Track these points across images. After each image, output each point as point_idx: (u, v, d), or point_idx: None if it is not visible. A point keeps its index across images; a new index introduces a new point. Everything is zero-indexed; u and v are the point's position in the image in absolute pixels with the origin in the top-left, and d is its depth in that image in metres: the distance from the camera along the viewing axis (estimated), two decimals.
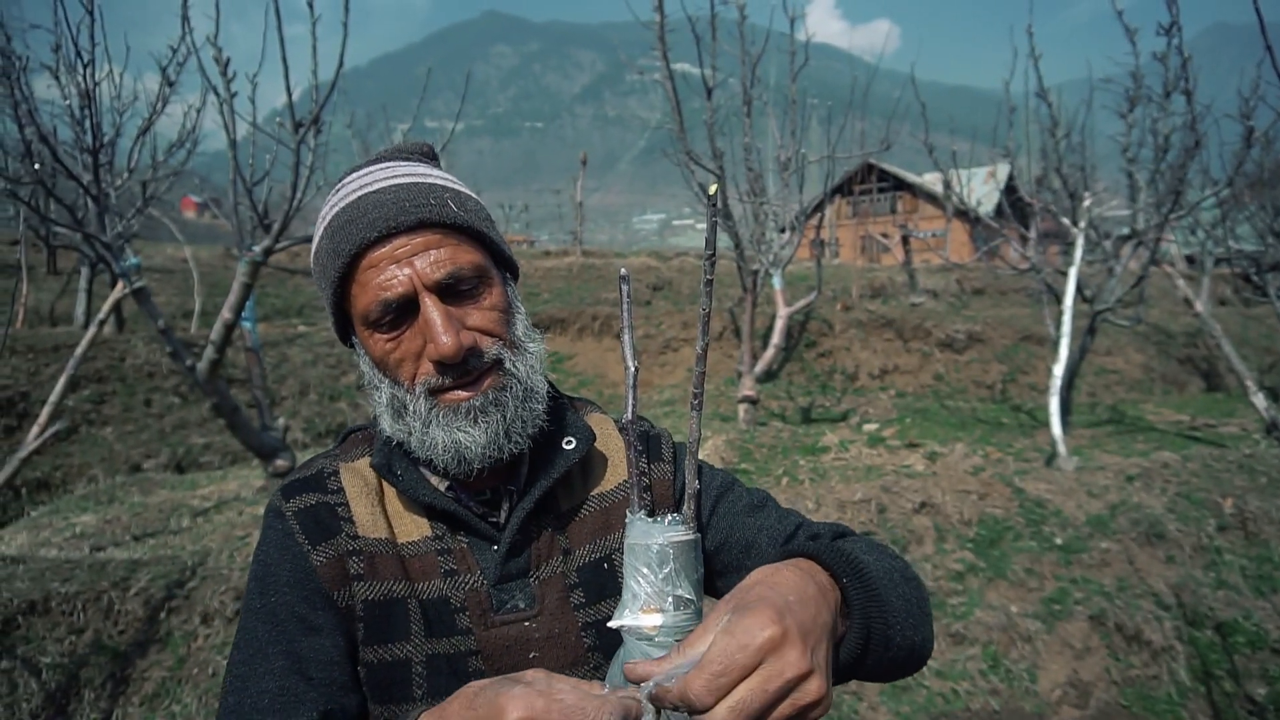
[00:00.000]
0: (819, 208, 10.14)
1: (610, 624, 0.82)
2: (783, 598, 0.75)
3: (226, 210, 5.82)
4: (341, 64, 5.08)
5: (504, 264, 1.08)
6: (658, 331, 12.28)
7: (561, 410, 1.13)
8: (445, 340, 0.93)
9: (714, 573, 1.13)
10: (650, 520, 0.81)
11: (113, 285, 6.49)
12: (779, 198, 8.75)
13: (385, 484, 1.07)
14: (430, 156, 1.13)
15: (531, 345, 1.04)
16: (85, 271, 11.07)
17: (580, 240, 19.27)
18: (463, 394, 0.98)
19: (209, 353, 5.31)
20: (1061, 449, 6.07)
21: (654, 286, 14.55)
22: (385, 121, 12.97)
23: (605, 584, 1.05)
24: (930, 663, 4.22)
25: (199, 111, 6.31)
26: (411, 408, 0.98)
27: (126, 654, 3.94)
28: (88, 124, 4.95)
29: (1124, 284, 7.54)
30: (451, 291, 0.97)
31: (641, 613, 0.79)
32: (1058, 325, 6.60)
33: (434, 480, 1.05)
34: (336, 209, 1.01)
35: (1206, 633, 4.29)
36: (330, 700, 0.93)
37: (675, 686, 0.70)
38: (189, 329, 11.33)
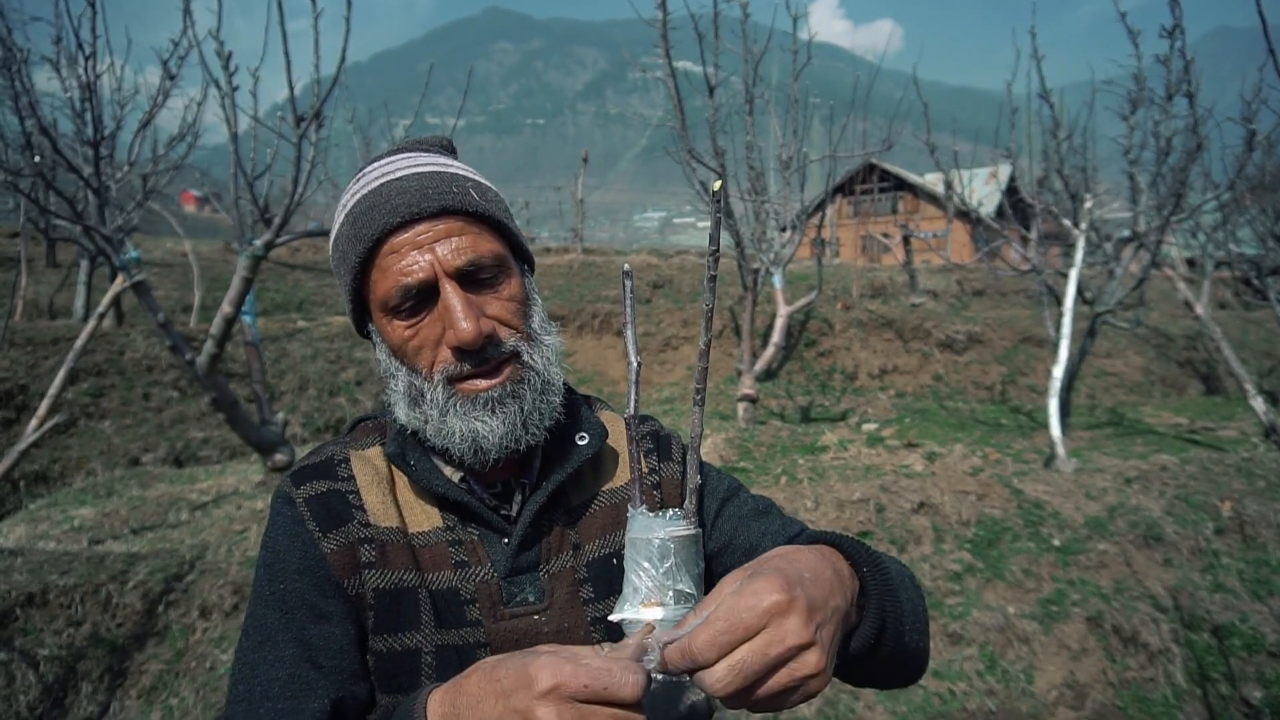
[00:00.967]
0: (820, 207, 10.14)
1: (611, 617, 0.82)
2: (797, 572, 0.76)
3: (227, 204, 5.81)
4: (344, 59, 5.08)
5: (521, 256, 1.08)
6: (658, 330, 12.28)
7: (575, 405, 1.14)
8: (465, 326, 0.93)
9: (715, 575, 1.12)
10: (652, 515, 0.82)
11: (112, 279, 6.49)
12: (780, 196, 8.75)
13: (396, 473, 1.07)
14: (449, 149, 1.13)
15: (548, 338, 1.04)
16: (85, 265, 11.06)
17: (581, 238, 19.26)
18: (481, 383, 0.98)
19: (209, 347, 5.31)
20: (1060, 451, 6.07)
21: (654, 284, 14.55)
22: (387, 117, 12.96)
23: (614, 579, 1.04)
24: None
25: (200, 105, 6.30)
26: (429, 396, 0.98)
27: (124, 647, 3.94)
28: (88, 116, 4.95)
29: (1124, 286, 7.54)
30: (471, 279, 0.97)
31: (642, 606, 0.79)
32: (1058, 327, 6.61)
33: (447, 471, 1.05)
34: (359, 195, 1.01)
35: (1203, 635, 4.29)
36: (340, 688, 0.93)
37: (680, 643, 0.71)
38: (188, 323, 11.32)
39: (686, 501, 0.84)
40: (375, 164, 1.05)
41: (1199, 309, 7.85)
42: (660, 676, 0.78)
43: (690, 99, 7.70)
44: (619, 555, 1.05)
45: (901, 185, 39.85)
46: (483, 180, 1.06)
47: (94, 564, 4.26)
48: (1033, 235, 7.69)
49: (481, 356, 0.97)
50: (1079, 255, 6.65)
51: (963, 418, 9.18)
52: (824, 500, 5.11)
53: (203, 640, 4.02)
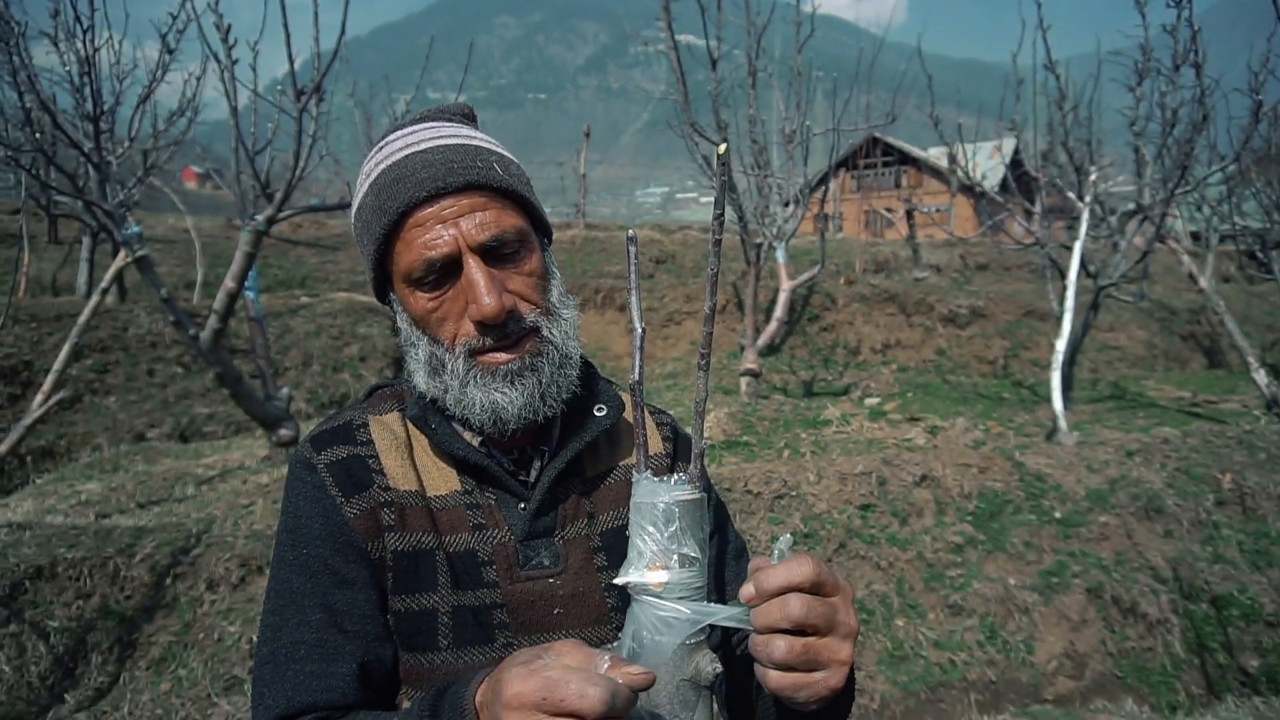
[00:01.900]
0: (823, 181, 10.07)
1: (616, 580, 0.83)
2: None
3: (228, 180, 5.79)
4: (343, 32, 5.04)
5: (541, 229, 1.09)
6: (660, 305, 12.26)
7: (593, 378, 1.15)
8: (488, 301, 0.95)
9: None
10: (657, 480, 0.82)
11: (114, 255, 6.48)
12: (783, 171, 8.70)
13: (413, 437, 1.09)
14: (471, 119, 1.14)
15: (566, 312, 1.06)
16: (87, 241, 11.03)
17: (583, 213, 19.18)
18: (502, 356, 0.99)
19: (212, 322, 5.32)
20: (1062, 424, 6.08)
21: (657, 260, 14.51)
22: (387, 92, 12.89)
23: (626, 550, 1.05)
24: (928, 633, 4.27)
25: (199, 80, 6.26)
26: (450, 367, 1.00)
27: (133, 619, 3.99)
28: (88, 91, 4.92)
29: (1128, 260, 7.51)
30: (494, 254, 0.99)
31: (647, 570, 0.80)
32: (1061, 301, 6.59)
33: (467, 436, 1.07)
34: (383, 166, 1.01)
35: (1202, 606, 4.33)
36: (366, 651, 0.96)
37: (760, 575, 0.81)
38: (191, 300, 11.32)
39: (691, 466, 0.85)
40: (398, 133, 1.06)
41: (1203, 282, 7.82)
42: (669, 640, 0.79)
43: (693, 73, 7.64)
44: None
45: (905, 159, 39.60)
46: (505, 153, 1.06)
47: (102, 537, 4.30)
48: (1037, 209, 7.65)
49: (503, 331, 0.98)
50: (1083, 229, 6.62)
51: (965, 392, 9.19)
52: (826, 474, 5.14)
53: (210, 612, 4.06)
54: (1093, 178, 6.84)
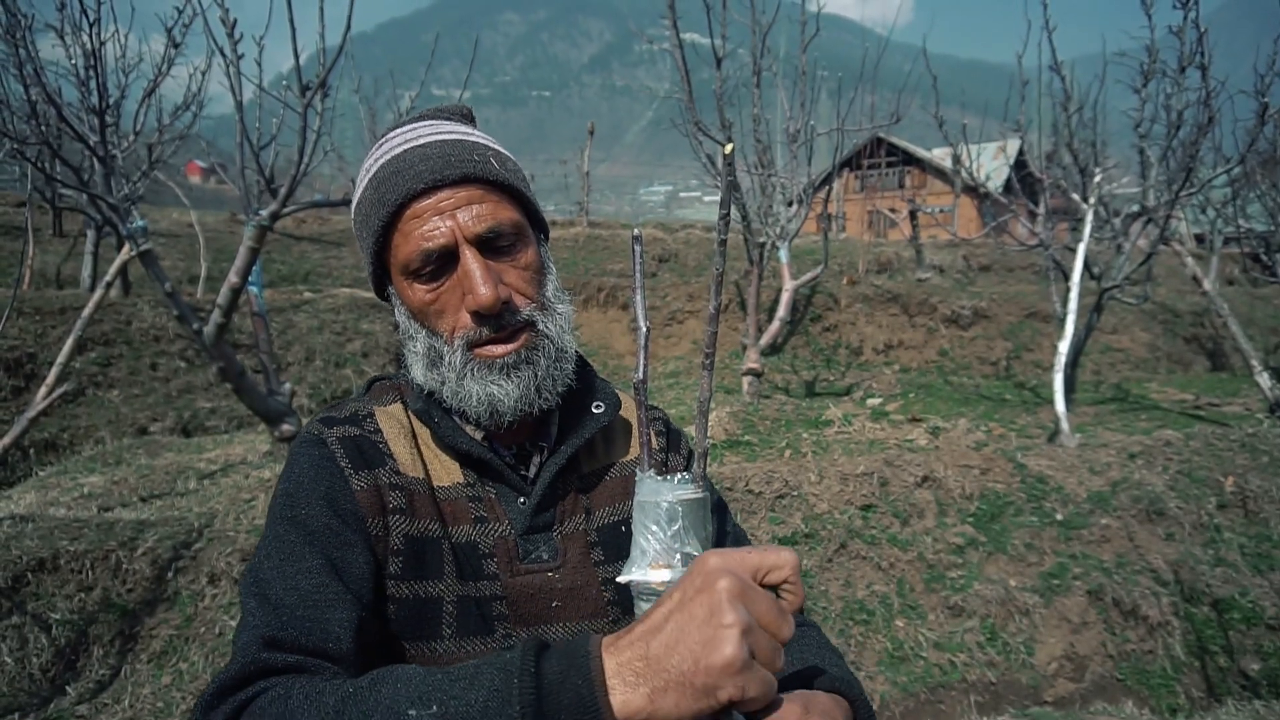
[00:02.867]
0: (827, 181, 10.06)
1: (619, 579, 0.83)
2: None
3: (233, 174, 5.80)
4: (349, 28, 5.05)
5: (538, 225, 1.10)
6: (663, 303, 12.27)
7: (590, 375, 1.17)
8: (484, 291, 0.96)
9: None
10: (660, 479, 0.83)
11: (118, 249, 6.49)
12: (787, 170, 8.69)
13: (417, 428, 1.10)
14: (469, 118, 1.16)
15: (561, 306, 1.07)
16: (91, 234, 11.05)
17: (586, 211, 19.19)
18: (498, 349, 1.01)
19: (215, 316, 5.32)
20: (1065, 426, 6.07)
21: (660, 258, 14.51)
22: (392, 88, 12.84)
23: (623, 545, 1.05)
24: (929, 634, 4.27)
25: (205, 74, 6.27)
26: (447, 359, 1.01)
27: (135, 612, 4.00)
28: (93, 84, 4.93)
29: (1132, 262, 7.50)
30: (490, 246, 1.00)
31: (650, 569, 0.81)
32: (1064, 302, 6.58)
33: (469, 430, 1.08)
34: (382, 160, 1.03)
35: (1203, 609, 4.33)
36: (363, 609, 0.91)
37: None
38: (195, 294, 11.33)
39: (695, 465, 0.85)
40: (399, 130, 1.08)
41: (1207, 285, 7.81)
42: None
43: (697, 71, 7.64)
44: (627, 523, 1.06)
45: (909, 160, 39.61)
46: (502, 149, 1.08)
47: (104, 530, 4.30)
48: (1040, 210, 7.64)
49: (499, 322, 1.00)
50: (1087, 230, 6.61)
51: (967, 393, 9.18)
52: (828, 474, 5.14)
53: (211, 606, 4.07)
54: (1097, 179, 6.83)
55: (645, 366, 0.88)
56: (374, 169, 1.04)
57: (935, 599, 4.46)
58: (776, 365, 10.68)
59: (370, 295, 12.30)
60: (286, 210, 5.32)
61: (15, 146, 5.68)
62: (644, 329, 0.87)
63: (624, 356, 11.49)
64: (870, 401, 8.24)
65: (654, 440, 1.20)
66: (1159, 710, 4.00)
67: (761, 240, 8.52)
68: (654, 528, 0.81)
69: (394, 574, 0.98)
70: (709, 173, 8.18)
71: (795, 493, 4.98)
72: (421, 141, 1.02)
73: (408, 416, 1.10)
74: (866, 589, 4.49)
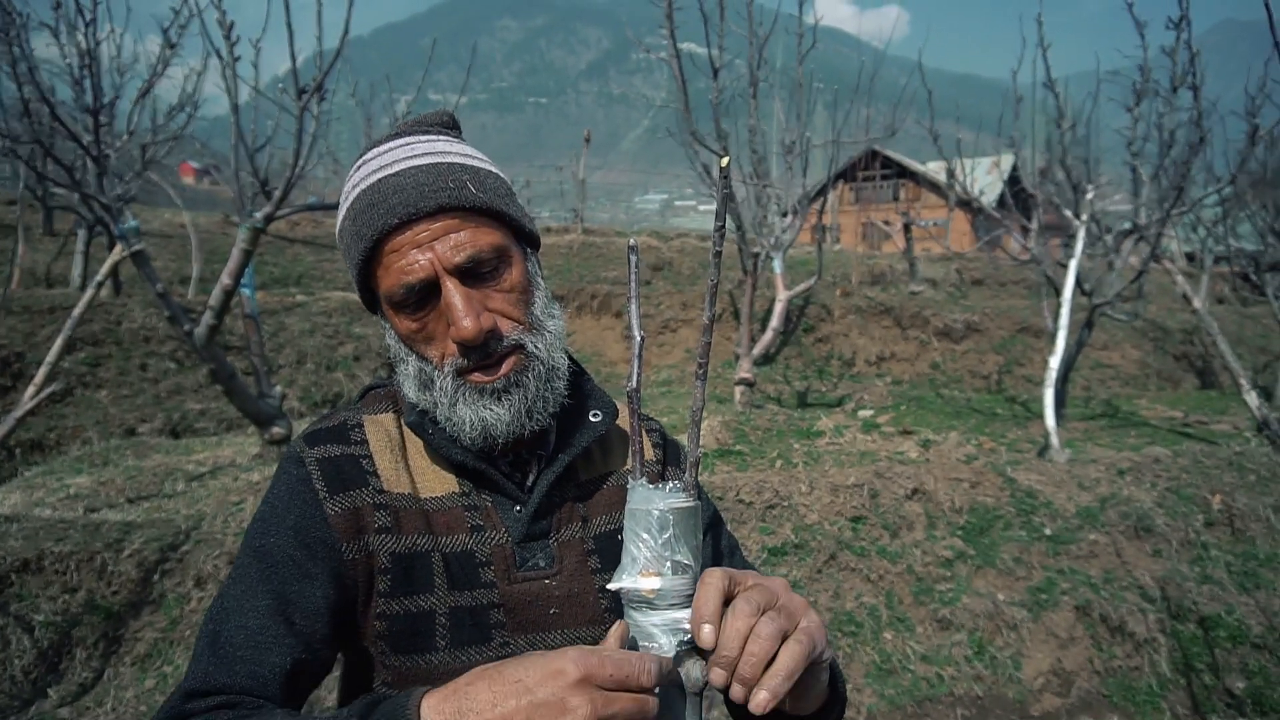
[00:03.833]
0: (822, 192, 10.10)
1: (610, 586, 0.83)
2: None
3: (227, 176, 5.79)
4: (346, 31, 5.05)
5: (524, 237, 1.08)
6: (657, 312, 12.27)
7: (587, 384, 1.17)
8: (466, 324, 0.95)
9: None
10: (651, 487, 0.83)
11: (110, 248, 6.46)
12: (782, 181, 8.73)
13: (408, 439, 1.10)
14: (450, 127, 1.13)
15: (550, 323, 1.06)
16: (82, 234, 11.01)
17: (581, 218, 19.20)
18: (486, 376, 1.00)
19: (207, 318, 5.31)
20: (1054, 441, 6.10)
21: (654, 266, 14.53)
22: (389, 92, 12.86)
23: (619, 553, 1.04)
24: (917, 647, 4.27)
25: (200, 75, 6.26)
26: (439, 384, 1.01)
27: (119, 614, 3.97)
28: (88, 84, 4.92)
29: (1123, 279, 7.54)
30: (472, 274, 0.99)
31: (640, 576, 0.81)
32: (1056, 318, 6.61)
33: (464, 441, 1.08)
34: (358, 190, 1.02)
35: (1189, 626, 4.34)
36: (306, 650, 0.95)
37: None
38: (186, 295, 11.29)
39: (686, 474, 0.85)
40: (374, 151, 1.06)
41: (1197, 303, 7.86)
42: (657, 645, 0.80)
43: (694, 81, 7.67)
44: (622, 530, 1.08)
45: (903, 173, 39.79)
46: (481, 165, 1.05)
47: (90, 532, 4.27)
48: (1033, 226, 7.68)
49: (485, 351, 0.99)
50: (1079, 246, 6.65)
51: (959, 406, 9.21)
52: (818, 485, 5.14)
53: (197, 610, 4.04)
54: (1089, 196, 6.88)
55: (639, 375, 0.88)
56: (350, 197, 1.03)
57: (924, 612, 4.46)
58: (769, 375, 10.69)
59: None
60: (280, 213, 5.32)
61: (8, 144, 5.66)
62: (638, 338, 0.87)
63: (617, 364, 11.48)
64: (862, 413, 8.26)
65: (650, 452, 1.21)
66: None
67: (756, 251, 8.54)
68: (645, 535, 0.81)
69: (383, 592, 1.00)
70: (704, 182, 8.20)
71: (786, 503, 4.98)
72: (396, 169, 1.00)
73: (399, 427, 1.10)
74: (855, 600, 4.49)
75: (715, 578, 0.81)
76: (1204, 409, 9.01)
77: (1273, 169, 9.77)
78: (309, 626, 0.95)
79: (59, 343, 5.55)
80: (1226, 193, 8.47)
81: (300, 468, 1.03)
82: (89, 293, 5.77)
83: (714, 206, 0.83)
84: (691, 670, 0.81)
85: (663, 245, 16.00)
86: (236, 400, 5.64)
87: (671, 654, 0.81)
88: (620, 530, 1.06)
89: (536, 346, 1.03)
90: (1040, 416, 6.79)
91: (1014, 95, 7.65)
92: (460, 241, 0.97)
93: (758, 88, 8.05)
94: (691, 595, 0.82)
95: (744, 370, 8.17)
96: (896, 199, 38.62)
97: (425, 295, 0.98)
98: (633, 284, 0.89)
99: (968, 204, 8.65)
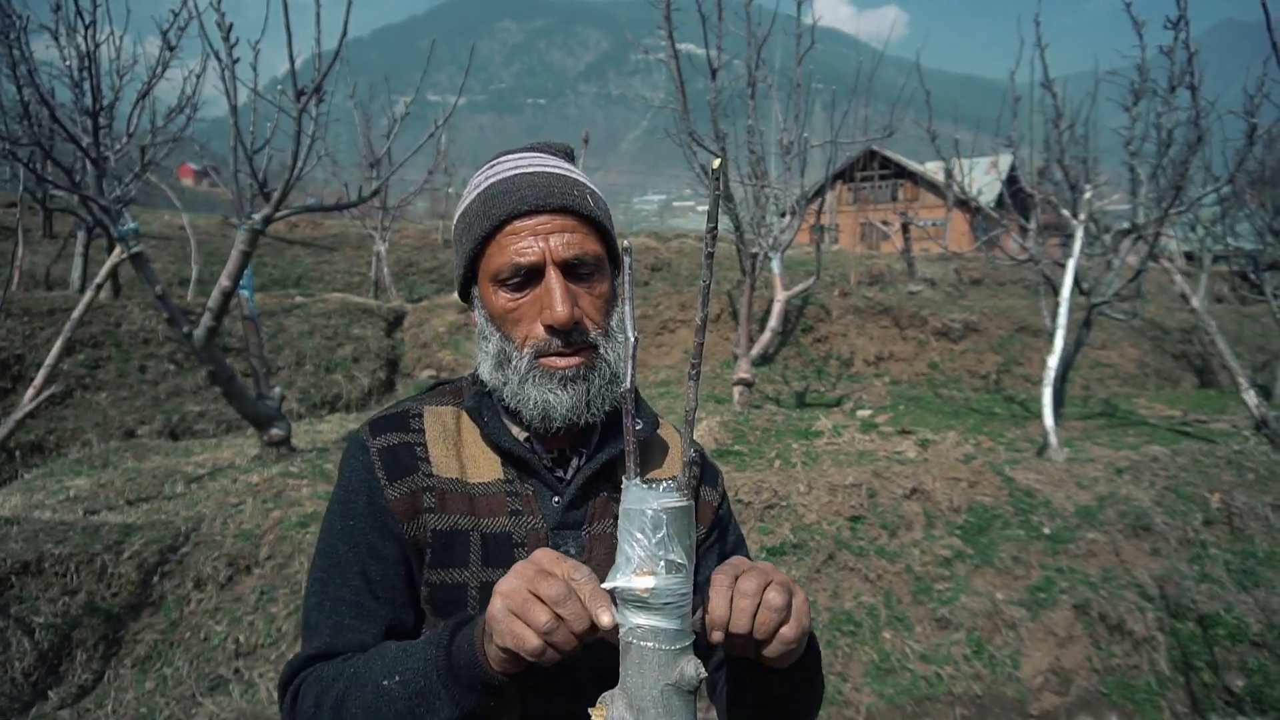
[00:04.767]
0: (820, 193, 10.10)
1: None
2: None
3: (226, 178, 5.79)
4: (345, 33, 5.05)
5: (615, 261, 1.22)
6: (655, 312, 12.28)
7: (637, 397, 1.25)
8: (561, 309, 1.09)
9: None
10: (645, 486, 0.83)
11: (109, 250, 6.47)
12: (780, 182, 8.73)
13: (464, 429, 1.23)
14: (570, 156, 1.28)
15: (622, 337, 1.17)
16: (82, 235, 11.01)
17: None
18: (560, 361, 1.13)
19: (206, 319, 5.31)
20: (1053, 440, 6.10)
21: (653, 267, 14.54)
22: (388, 94, 12.89)
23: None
24: (915, 646, 4.27)
25: (199, 77, 6.26)
26: (514, 363, 1.14)
27: (119, 616, 3.97)
28: (87, 86, 4.92)
29: (1122, 278, 7.54)
30: (573, 271, 1.13)
31: (634, 575, 0.81)
32: (1054, 317, 6.62)
33: (515, 430, 1.21)
34: (493, 179, 1.17)
35: (1188, 624, 4.34)
36: (393, 615, 1.13)
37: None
38: (186, 297, 11.30)
39: (680, 474, 0.86)
40: (509, 155, 1.22)
41: (1195, 302, 7.87)
42: (655, 645, 0.81)
43: (693, 81, 7.67)
44: None
45: (902, 173, 39.79)
46: (595, 188, 1.20)
47: (89, 534, 4.28)
48: (1032, 225, 7.69)
49: (567, 338, 1.12)
50: (1077, 246, 6.66)
51: (957, 406, 9.22)
52: (817, 484, 5.14)
53: (197, 611, 4.05)
54: (1088, 196, 6.88)
55: (633, 376, 0.89)
56: (484, 185, 1.18)
57: (922, 611, 4.47)
58: (767, 375, 10.69)
59: (361, 300, 12.28)
60: (279, 214, 5.32)
61: (7, 147, 5.66)
62: (632, 339, 0.88)
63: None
64: (860, 413, 8.26)
65: (687, 471, 1.26)
66: None
67: (754, 251, 8.54)
68: (638, 535, 0.82)
69: (428, 563, 1.14)
70: (703, 183, 8.20)
71: (784, 503, 4.99)
72: (530, 169, 1.16)
73: (455, 419, 1.23)
74: (854, 600, 4.49)
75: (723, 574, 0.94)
76: (1202, 408, 9.02)
77: (1271, 168, 9.78)
78: (392, 597, 1.13)
79: (58, 345, 5.55)
80: (1225, 192, 8.48)
81: (365, 454, 1.18)
82: (88, 295, 5.78)
83: (709, 209, 0.84)
84: (687, 669, 0.82)
85: (661, 246, 16.01)
86: (235, 402, 5.64)
87: (668, 650, 0.81)
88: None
89: (607, 351, 1.16)
90: (1039, 416, 6.79)
91: (1012, 95, 7.65)
92: (571, 241, 1.12)
93: (756, 88, 8.05)
94: (686, 594, 0.82)
95: (742, 370, 8.18)
96: (895, 199, 38.62)
97: (529, 278, 1.12)
98: (626, 286, 0.91)
99: (966, 204, 8.66)
